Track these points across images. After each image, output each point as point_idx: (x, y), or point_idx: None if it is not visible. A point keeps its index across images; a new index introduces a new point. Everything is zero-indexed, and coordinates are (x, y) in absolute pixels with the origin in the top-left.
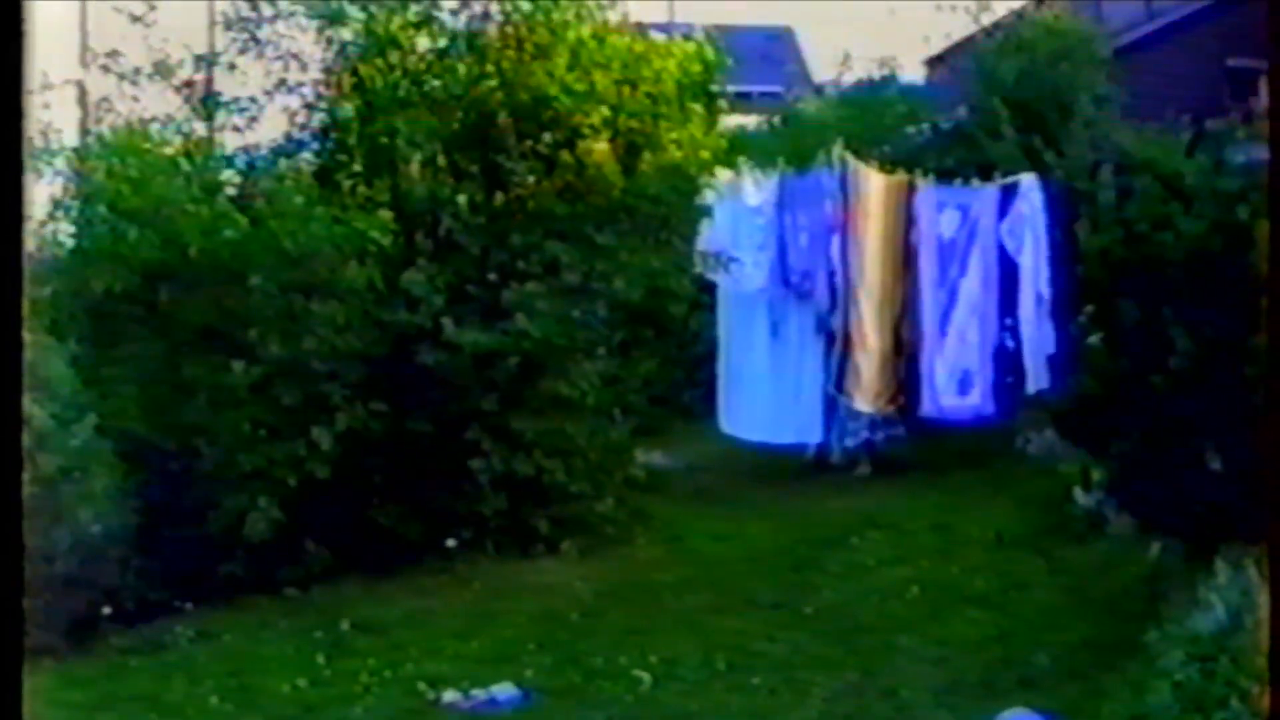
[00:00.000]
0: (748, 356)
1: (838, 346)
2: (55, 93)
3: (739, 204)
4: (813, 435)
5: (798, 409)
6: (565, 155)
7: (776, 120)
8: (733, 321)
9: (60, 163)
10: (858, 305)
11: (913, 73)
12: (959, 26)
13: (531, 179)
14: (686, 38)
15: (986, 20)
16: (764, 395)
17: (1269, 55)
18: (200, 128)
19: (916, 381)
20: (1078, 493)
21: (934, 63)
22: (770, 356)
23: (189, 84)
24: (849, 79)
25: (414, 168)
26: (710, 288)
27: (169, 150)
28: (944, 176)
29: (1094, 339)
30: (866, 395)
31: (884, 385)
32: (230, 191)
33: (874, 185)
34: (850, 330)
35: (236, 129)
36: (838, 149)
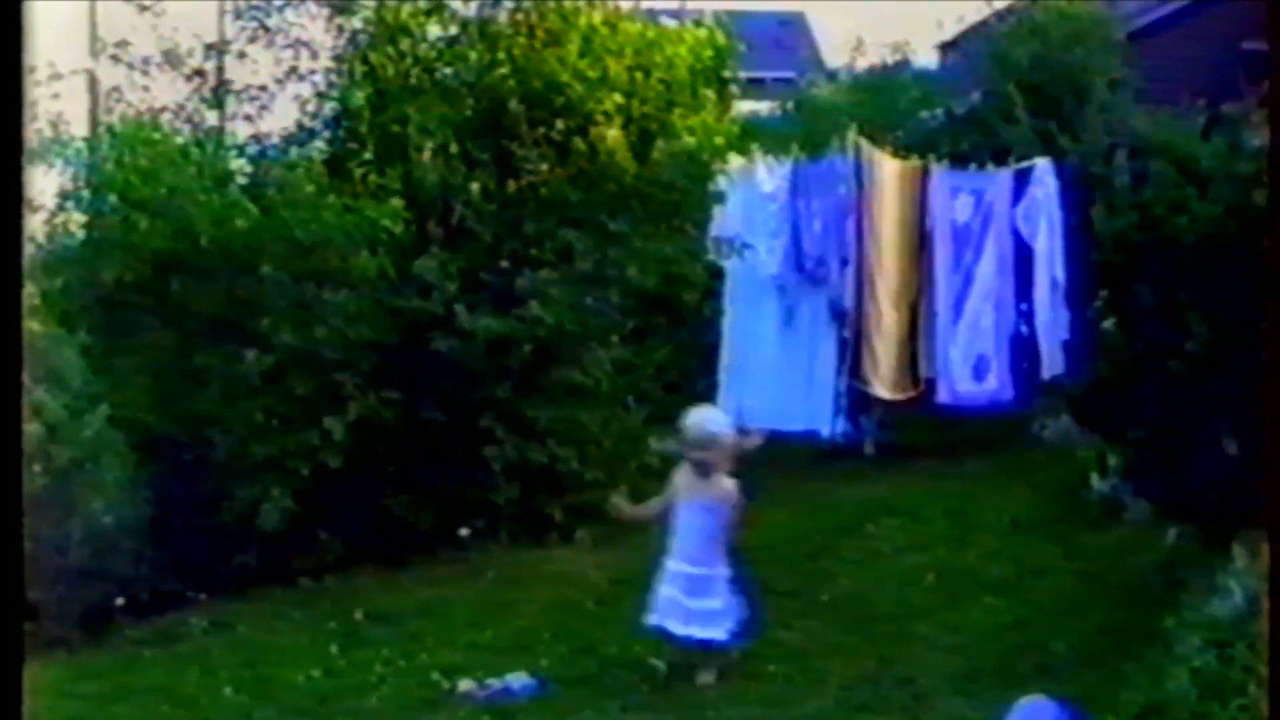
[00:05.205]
0: (757, 344)
1: (852, 332)
2: (65, 83)
3: (752, 190)
4: (824, 423)
5: (809, 396)
6: (578, 142)
7: (789, 106)
8: (743, 308)
9: (70, 153)
10: (874, 291)
11: (926, 57)
12: (972, 10)
13: (544, 166)
14: (698, 23)
15: (1000, 4)
16: (774, 383)
17: (1269, 44)
18: (211, 117)
19: (931, 368)
20: (1094, 478)
21: (947, 47)
22: (782, 343)
23: (199, 73)
24: (862, 64)
25: (426, 156)
26: (722, 275)
27: (179, 140)
28: (958, 161)
29: (1109, 324)
30: (885, 382)
31: (902, 372)
32: (241, 181)
33: (888, 171)
34: (867, 316)
35: (247, 118)
36: (851, 134)
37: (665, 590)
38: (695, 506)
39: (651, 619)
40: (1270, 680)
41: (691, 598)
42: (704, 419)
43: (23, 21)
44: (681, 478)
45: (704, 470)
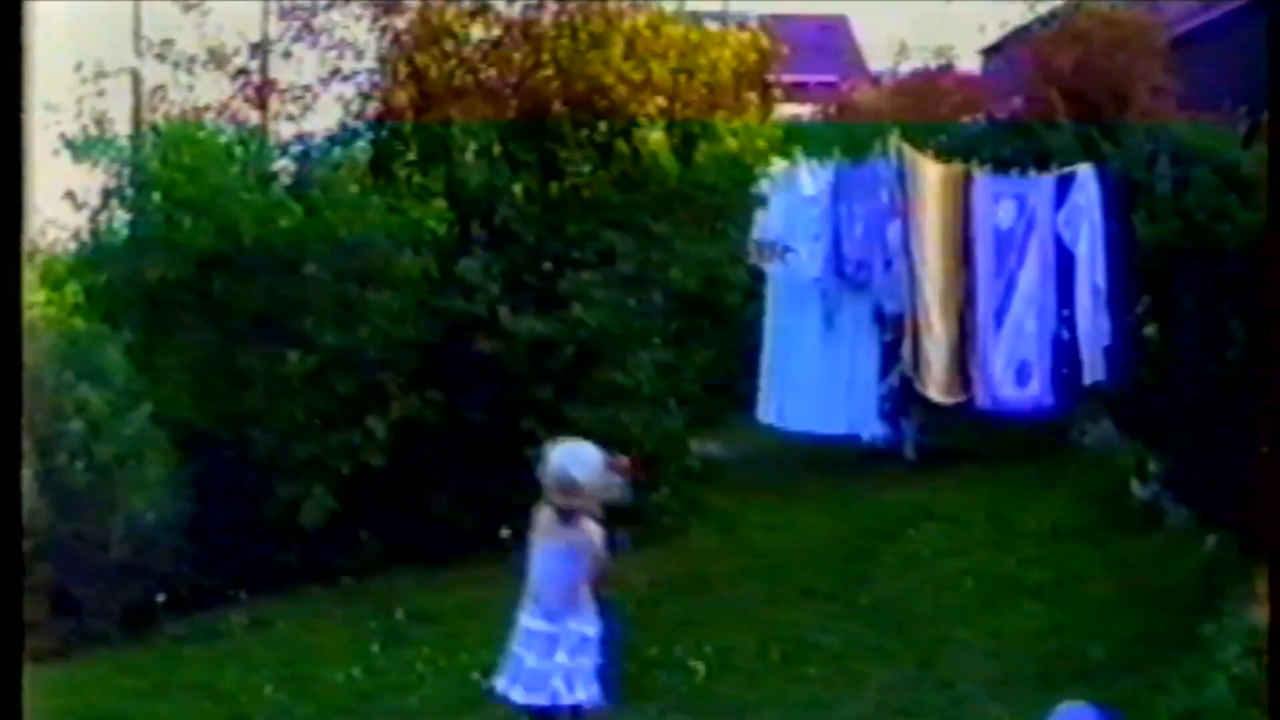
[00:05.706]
0: (799, 346)
1: (908, 336)
2: (109, 81)
3: (794, 194)
4: (865, 426)
5: (850, 399)
6: (621, 144)
7: (832, 110)
8: (784, 311)
9: (114, 151)
10: (923, 295)
11: (969, 62)
12: (1015, 15)
13: (587, 168)
14: (741, 27)
15: (1043, 9)
16: (815, 385)
17: (1269, 46)
18: (254, 116)
19: (974, 372)
20: (1134, 484)
21: (990, 52)
22: (823, 346)
23: (243, 72)
24: (905, 68)
25: (469, 157)
26: (764, 278)
27: (223, 139)
28: (1000, 167)
29: (1150, 330)
30: (938, 385)
31: (953, 375)
32: (285, 180)
33: (930, 175)
34: (917, 320)
35: (291, 117)
36: (893, 139)
37: (516, 649)
38: (553, 551)
39: (498, 684)
40: (1269, 682)
41: (544, 658)
42: (566, 460)
43: (24, 21)
44: (542, 516)
45: (566, 515)
